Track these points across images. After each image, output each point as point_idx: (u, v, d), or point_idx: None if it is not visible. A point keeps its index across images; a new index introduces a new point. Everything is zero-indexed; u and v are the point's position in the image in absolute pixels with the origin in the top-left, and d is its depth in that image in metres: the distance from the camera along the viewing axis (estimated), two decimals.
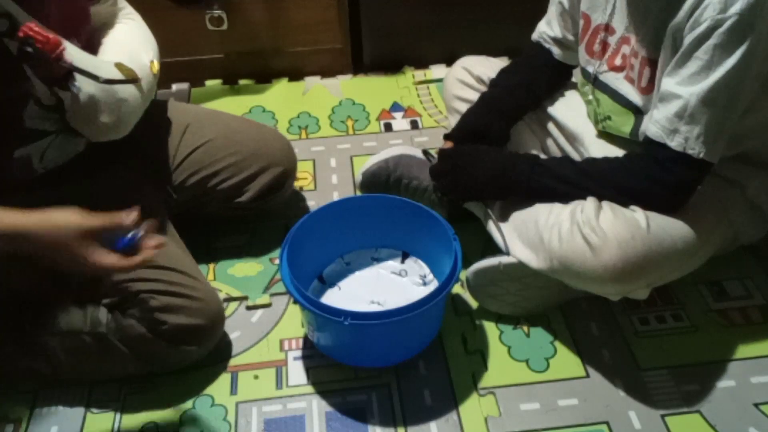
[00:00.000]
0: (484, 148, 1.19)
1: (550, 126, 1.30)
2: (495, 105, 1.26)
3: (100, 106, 1.02)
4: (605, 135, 1.21)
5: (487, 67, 1.35)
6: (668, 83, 0.98)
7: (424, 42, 1.85)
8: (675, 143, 0.97)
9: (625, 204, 1.03)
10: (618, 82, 1.12)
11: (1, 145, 0.99)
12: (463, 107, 1.33)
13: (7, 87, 0.96)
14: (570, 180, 1.07)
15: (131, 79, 1.04)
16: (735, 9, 0.90)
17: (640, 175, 1.02)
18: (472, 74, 1.35)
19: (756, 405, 1.08)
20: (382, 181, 1.35)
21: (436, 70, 1.85)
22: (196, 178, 1.25)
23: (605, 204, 1.03)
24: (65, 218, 0.86)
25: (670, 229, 1.01)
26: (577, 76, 1.28)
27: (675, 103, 0.97)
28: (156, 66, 1.14)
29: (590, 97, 1.20)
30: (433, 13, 1.78)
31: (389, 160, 1.36)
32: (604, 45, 1.13)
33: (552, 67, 1.29)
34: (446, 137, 1.27)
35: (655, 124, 0.99)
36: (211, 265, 1.32)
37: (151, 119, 1.15)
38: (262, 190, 1.29)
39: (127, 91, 1.06)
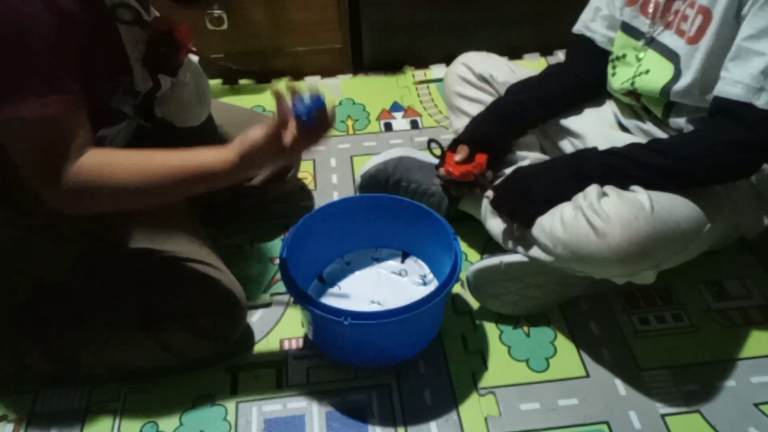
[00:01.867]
0: (536, 166, 1.16)
1: (550, 123, 1.29)
2: (509, 118, 1.24)
3: (196, 95, 1.12)
4: (611, 130, 1.20)
5: (489, 64, 1.34)
6: (743, 38, 0.96)
7: (424, 42, 1.85)
8: (762, 102, 0.96)
9: (710, 181, 1.02)
10: (669, 37, 1.09)
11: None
12: (465, 104, 1.32)
13: (112, 76, 0.99)
14: (647, 163, 1.03)
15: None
16: None
17: (726, 141, 0.99)
18: (473, 72, 1.33)
19: (756, 405, 1.08)
20: (381, 184, 1.35)
21: (436, 70, 1.85)
22: None
23: (608, 189, 1.02)
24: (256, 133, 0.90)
25: (673, 209, 1.01)
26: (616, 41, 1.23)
27: (758, 61, 0.95)
28: None
29: (640, 55, 1.14)
30: (433, 13, 1.78)
31: (388, 163, 1.35)
32: (657, 5, 1.11)
33: (583, 81, 1.26)
34: (458, 141, 1.23)
35: (736, 85, 0.97)
36: None
37: None
38: (271, 173, 1.30)
39: (207, 83, 1.19)
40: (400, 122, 1.70)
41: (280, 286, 1.26)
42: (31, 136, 0.85)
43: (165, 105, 1.10)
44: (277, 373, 1.15)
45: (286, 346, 1.19)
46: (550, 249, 1.05)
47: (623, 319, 1.21)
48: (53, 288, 1.10)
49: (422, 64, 1.88)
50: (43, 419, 1.09)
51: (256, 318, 1.23)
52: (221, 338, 1.11)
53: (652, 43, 1.13)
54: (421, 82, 1.82)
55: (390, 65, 1.87)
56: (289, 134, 0.89)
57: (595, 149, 1.10)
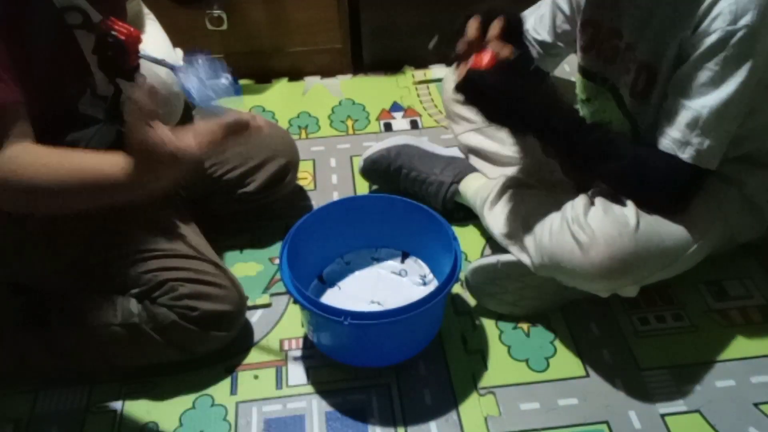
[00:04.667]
0: (533, 87, 1.05)
1: None
2: None
3: (159, 98, 1.07)
4: None
5: None
6: (676, 95, 0.97)
7: (424, 42, 1.84)
8: (686, 155, 0.97)
9: (634, 197, 1.02)
10: (623, 88, 1.09)
11: (56, 130, 1.00)
12: (464, 110, 1.32)
13: (72, 80, 0.98)
14: (601, 153, 1.02)
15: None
16: (745, 20, 0.89)
17: (659, 176, 1.00)
18: None
19: (756, 405, 1.08)
20: (382, 169, 1.36)
21: (436, 70, 1.85)
22: (204, 166, 1.27)
23: (597, 200, 1.02)
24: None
25: (659, 227, 1.01)
26: (577, 84, 1.22)
27: (684, 115, 0.96)
28: None
29: (603, 104, 1.14)
30: (434, 13, 1.78)
31: (391, 149, 1.37)
32: (615, 49, 1.09)
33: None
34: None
35: (666, 137, 0.98)
36: None
37: None
38: (267, 180, 1.31)
39: (178, 92, 1.14)
40: (400, 122, 1.70)
41: (280, 286, 1.26)
42: None
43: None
44: (277, 373, 1.15)
45: (286, 346, 1.19)
46: (536, 257, 1.05)
47: (623, 319, 1.21)
48: (52, 286, 1.10)
49: (422, 64, 1.88)
50: (43, 419, 1.09)
51: (256, 318, 1.23)
52: (222, 331, 1.10)
53: (611, 86, 1.11)
54: (420, 82, 1.82)
55: (390, 65, 1.87)
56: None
57: (575, 121, 1.04)
